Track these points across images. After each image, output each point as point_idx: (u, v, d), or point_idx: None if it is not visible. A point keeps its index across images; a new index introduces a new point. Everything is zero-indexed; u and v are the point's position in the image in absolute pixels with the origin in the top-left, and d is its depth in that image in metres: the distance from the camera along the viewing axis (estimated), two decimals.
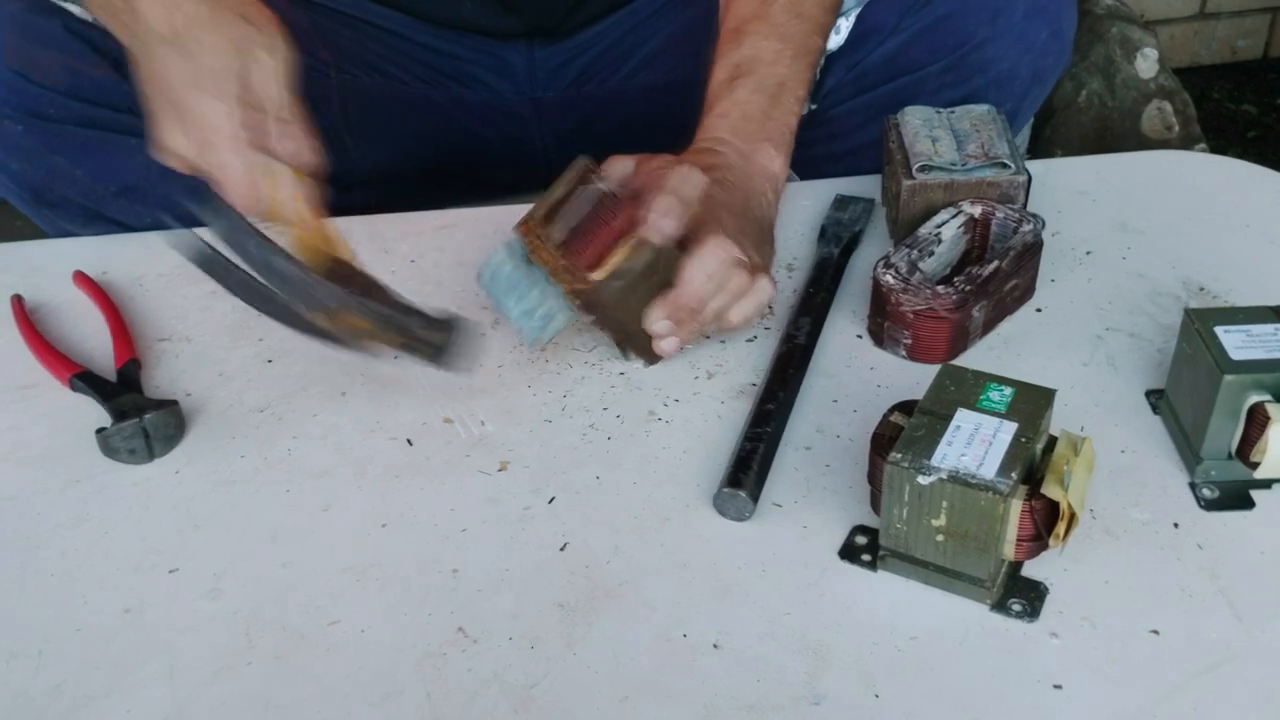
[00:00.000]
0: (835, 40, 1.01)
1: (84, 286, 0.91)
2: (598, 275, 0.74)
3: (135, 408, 0.77)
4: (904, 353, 0.81)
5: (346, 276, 0.75)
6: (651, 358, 0.81)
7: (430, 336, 0.76)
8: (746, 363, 0.82)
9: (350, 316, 0.73)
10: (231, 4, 0.73)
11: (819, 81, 1.03)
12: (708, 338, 0.84)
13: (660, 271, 0.75)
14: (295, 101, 0.73)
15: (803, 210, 0.97)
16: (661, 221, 0.73)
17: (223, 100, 0.71)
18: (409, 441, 0.77)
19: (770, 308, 0.86)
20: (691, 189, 0.75)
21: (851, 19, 1.00)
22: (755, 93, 0.86)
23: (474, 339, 0.77)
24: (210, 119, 0.71)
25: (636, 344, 0.80)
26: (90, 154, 0.96)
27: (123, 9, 0.74)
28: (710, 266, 0.75)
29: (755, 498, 0.70)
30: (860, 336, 0.84)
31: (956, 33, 0.97)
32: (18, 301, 0.89)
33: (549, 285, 0.77)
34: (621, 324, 0.78)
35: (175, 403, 0.78)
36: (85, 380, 0.81)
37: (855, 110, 1.01)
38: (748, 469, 0.71)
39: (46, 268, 0.94)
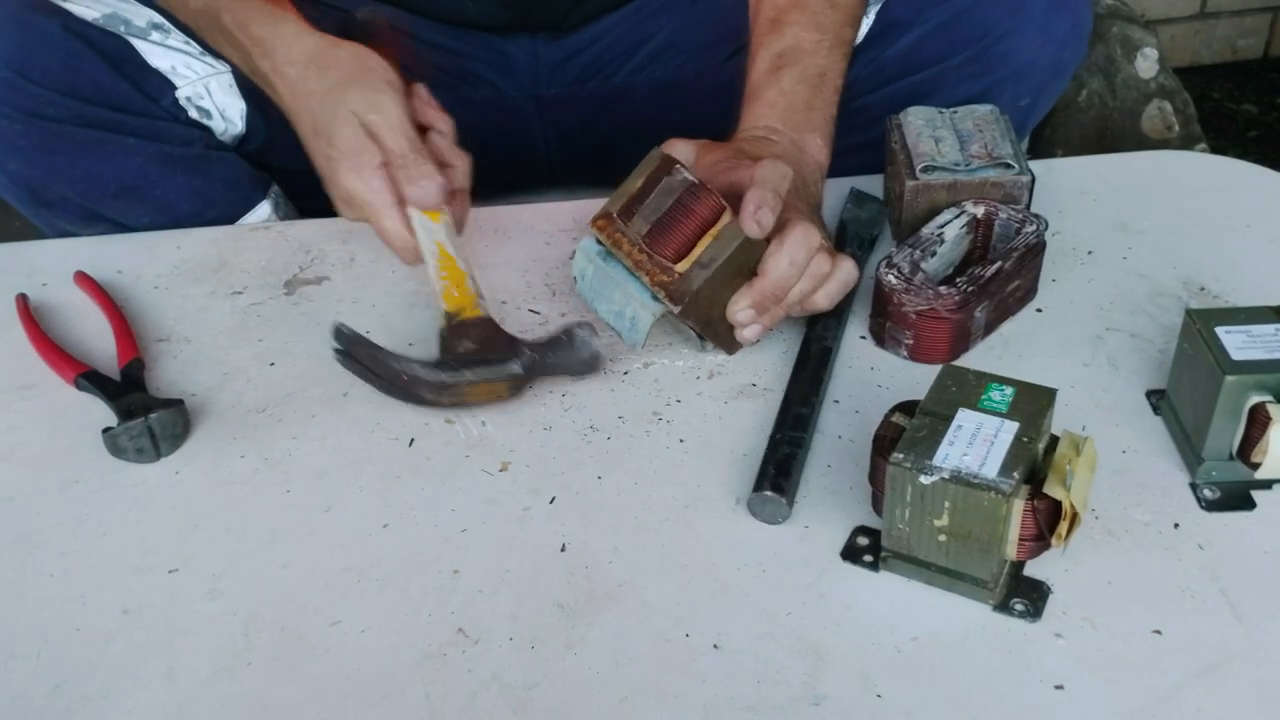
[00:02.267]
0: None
1: (85, 287, 0.91)
2: (683, 266, 0.75)
3: (141, 407, 0.76)
4: (905, 353, 0.81)
5: (478, 335, 0.79)
6: (732, 346, 0.81)
7: (563, 360, 0.79)
8: (747, 363, 0.82)
9: (480, 387, 0.78)
10: (347, 67, 0.82)
11: None
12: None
13: (745, 260, 0.76)
14: (414, 141, 0.81)
15: None
16: (760, 214, 0.74)
17: (364, 175, 0.80)
18: (410, 442, 0.77)
19: None
20: (783, 181, 0.76)
21: (871, 17, 1.00)
22: (799, 83, 0.87)
23: (595, 340, 0.79)
24: (360, 195, 0.80)
25: (717, 333, 0.80)
26: (89, 154, 0.96)
27: (269, 88, 0.86)
28: (795, 254, 0.76)
29: (791, 503, 0.70)
30: (863, 337, 0.84)
31: (978, 25, 0.97)
32: (23, 300, 0.89)
33: (630, 281, 0.78)
34: (705, 314, 0.78)
35: (181, 402, 0.78)
36: (91, 380, 0.81)
37: (875, 103, 1.01)
38: (787, 473, 0.71)
39: (45, 268, 0.94)
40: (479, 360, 0.78)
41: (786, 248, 0.76)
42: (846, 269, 0.79)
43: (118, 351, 0.83)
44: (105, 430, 0.76)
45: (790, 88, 0.87)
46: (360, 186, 0.80)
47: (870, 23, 1.00)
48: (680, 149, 0.80)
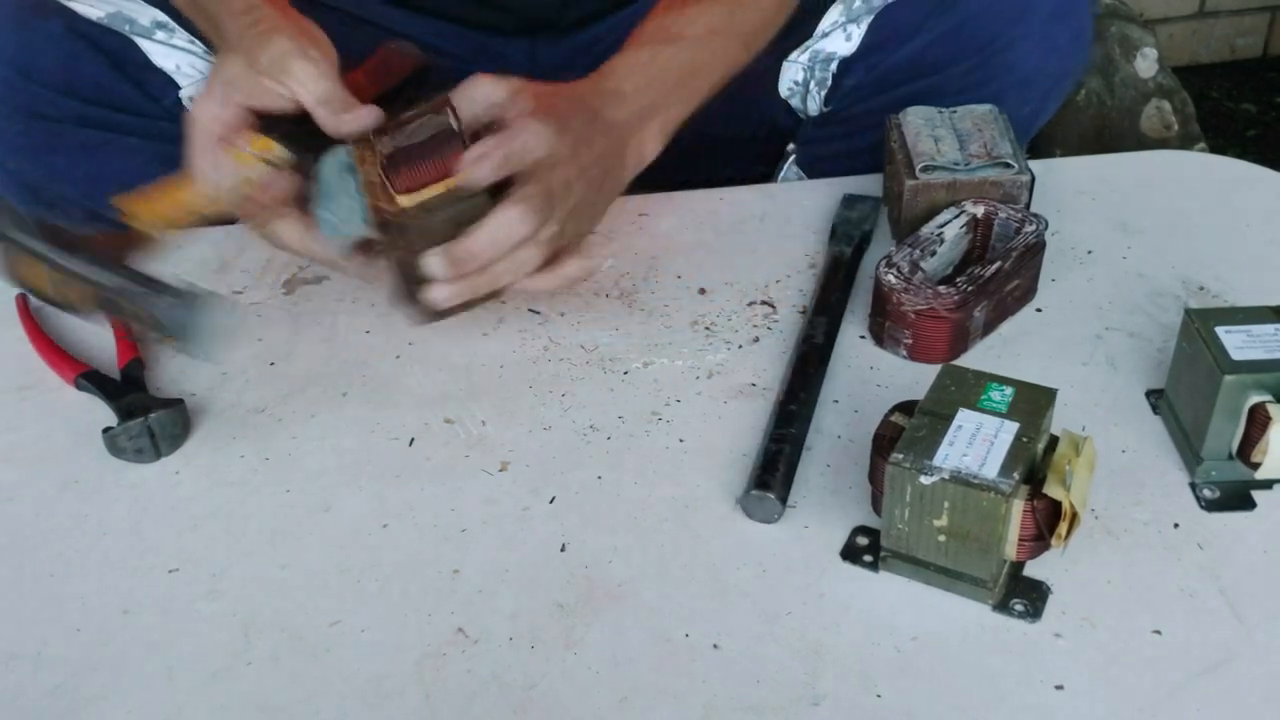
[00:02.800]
0: (847, 46, 1.00)
1: None
2: (407, 201, 0.73)
3: (141, 407, 0.76)
4: (905, 353, 0.81)
5: (107, 242, 0.75)
6: (427, 314, 0.78)
7: (147, 303, 0.73)
8: (746, 363, 0.82)
9: (64, 276, 0.73)
10: (296, 25, 0.79)
11: (836, 84, 1.03)
12: (504, 302, 0.84)
13: (465, 226, 0.74)
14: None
15: (804, 210, 0.96)
16: (479, 164, 0.72)
17: (209, 103, 0.77)
18: (410, 442, 0.77)
19: (773, 305, 0.86)
20: (529, 153, 0.74)
21: (864, 26, 1.00)
22: (671, 65, 0.84)
23: (220, 320, 0.74)
24: (195, 118, 0.77)
25: (410, 292, 0.77)
26: (89, 154, 0.96)
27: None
28: (498, 232, 0.74)
29: (784, 499, 0.70)
30: (863, 337, 0.84)
31: (982, 33, 0.97)
32: (22, 300, 0.88)
33: (354, 197, 0.75)
34: (409, 265, 0.75)
35: (181, 402, 0.78)
36: (91, 380, 0.80)
37: (875, 109, 1.01)
38: (775, 470, 0.71)
39: None
40: (80, 251, 0.73)
41: (493, 222, 0.73)
42: (567, 270, 0.78)
43: (117, 351, 0.83)
44: (105, 430, 0.76)
45: (661, 66, 0.84)
46: (204, 112, 0.76)
47: (863, 32, 1.00)
48: (486, 87, 0.78)
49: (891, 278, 0.80)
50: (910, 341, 0.80)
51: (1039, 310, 0.85)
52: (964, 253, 0.86)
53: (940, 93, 0.96)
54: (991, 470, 0.61)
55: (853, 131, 1.03)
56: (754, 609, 0.65)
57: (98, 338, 0.86)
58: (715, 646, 0.63)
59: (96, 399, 0.80)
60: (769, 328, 0.85)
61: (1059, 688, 0.60)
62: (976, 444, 0.62)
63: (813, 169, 1.07)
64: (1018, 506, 0.61)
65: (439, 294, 0.76)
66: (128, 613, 0.67)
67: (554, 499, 0.72)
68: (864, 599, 0.65)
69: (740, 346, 0.83)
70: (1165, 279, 0.87)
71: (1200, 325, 0.70)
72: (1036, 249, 0.83)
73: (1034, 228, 0.82)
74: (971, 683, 0.61)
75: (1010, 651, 0.62)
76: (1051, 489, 0.61)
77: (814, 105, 1.06)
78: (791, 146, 1.09)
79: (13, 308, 0.88)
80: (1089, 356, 0.81)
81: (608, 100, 0.81)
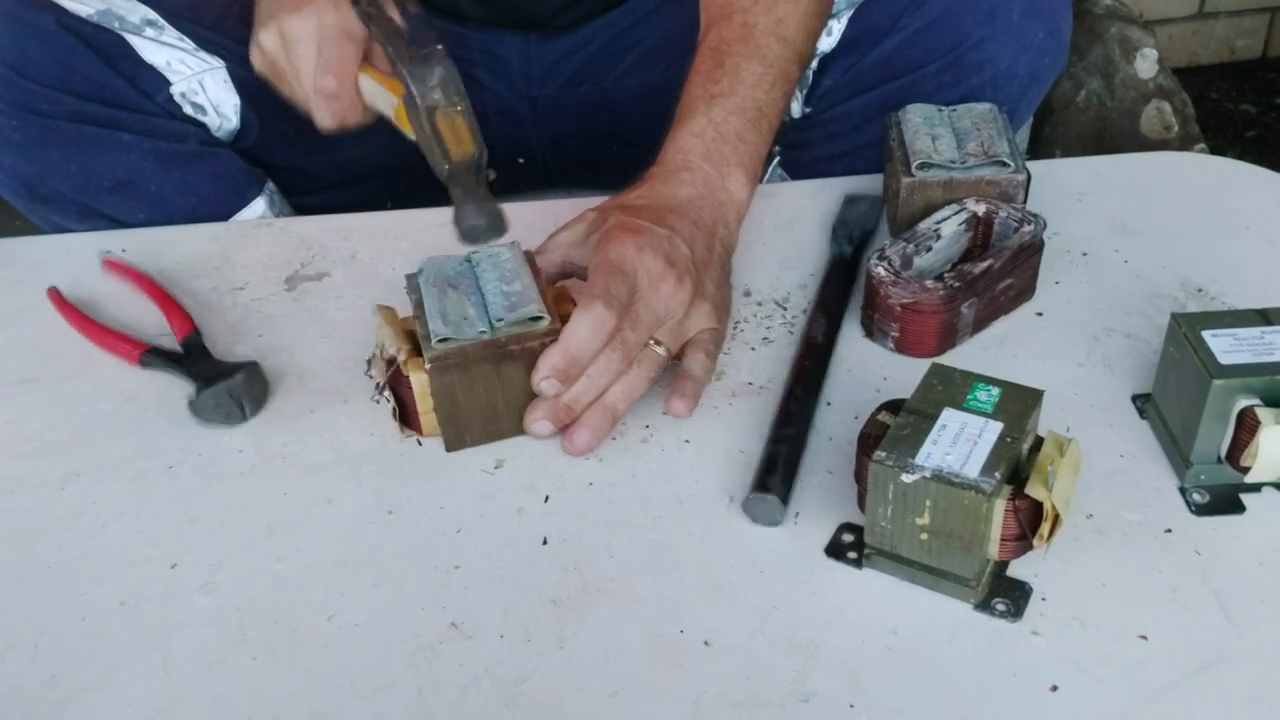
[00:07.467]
0: (827, 42, 1.01)
1: (119, 271, 0.92)
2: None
3: (220, 372, 0.78)
4: (892, 345, 0.81)
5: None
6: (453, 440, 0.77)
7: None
8: (743, 363, 0.82)
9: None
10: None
11: (815, 83, 1.03)
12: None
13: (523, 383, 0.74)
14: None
15: (804, 211, 0.97)
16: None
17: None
18: (405, 439, 0.77)
19: (772, 305, 0.87)
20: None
21: (844, 21, 1.00)
22: (732, 114, 0.86)
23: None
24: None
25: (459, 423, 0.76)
26: (83, 149, 0.96)
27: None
28: (581, 326, 0.73)
29: (785, 500, 0.70)
30: (865, 338, 0.84)
31: (953, 32, 0.97)
32: (56, 293, 0.89)
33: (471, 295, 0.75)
34: (452, 398, 0.74)
35: (256, 364, 0.79)
36: (155, 355, 0.82)
37: (852, 111, 1.01)
38: (774, 472, 0.71)
39: (50, 262, 0.95)
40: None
41: (571, 321, 0.73)
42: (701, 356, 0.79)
43: (173, 326, 0.85)
44: (196, 396, 0.77)
45: (722, 118, 0.86)
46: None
47: (843, 27, 1.00)
48: (560, 235, 0.82)
49: (881, 270, 0.80)
50: (897, 335, 0.80)
51: (1036, 311, 0.85)
52: (964, 250, 0.86)
53: (914, 95, 0.96)
54: (973, 470, 0.61)
55: (832, 135, 1.03)
56: (745, 606, 0.65)
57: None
58: (706, 643, 0.63)
59: (99, 394, 0.81)
60: (769, 328, 0.85)
61: (1054, 689, 0.60)
62: (960, 443, 0.62)
63: (794, 171, 1.08)
64: (1000, 506, 0.61)
65: (541, 427, 0.75)
66: (125, 604, 0.67)
67: (549, 496, 0.73)
68: (853, 597, 0.65)
69: (740, 346, 0.83)
70: (1164, 280, 0.88)
71: (1187, 330, 0.69)
72: (1032, 249, 0.83)
73: (1031, 227, 0.83)
74: (959, 681, 0.61)
75: (999, 651, 0.62)
76: (1033, 489, 0.61)
77: (795, 107, 1.06)
78: (776, 149, 1.09)
79: (21, 302, 0.89)
80: (1085, 358, 0.81)
81: (680, 182, 0.83)
